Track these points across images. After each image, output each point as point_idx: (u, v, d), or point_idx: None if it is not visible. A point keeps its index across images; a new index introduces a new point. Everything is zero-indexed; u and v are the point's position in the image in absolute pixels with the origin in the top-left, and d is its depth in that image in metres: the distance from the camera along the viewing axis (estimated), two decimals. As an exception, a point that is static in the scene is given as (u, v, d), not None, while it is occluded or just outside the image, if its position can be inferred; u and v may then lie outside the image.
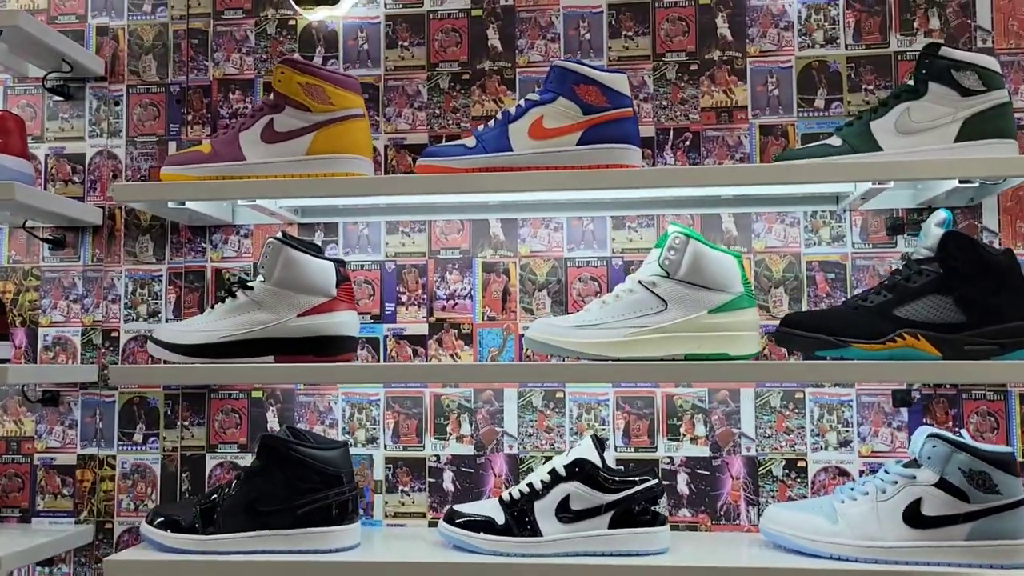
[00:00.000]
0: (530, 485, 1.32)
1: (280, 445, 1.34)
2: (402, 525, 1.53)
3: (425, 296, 1.56)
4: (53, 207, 1.47)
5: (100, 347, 1.60)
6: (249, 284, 1.37)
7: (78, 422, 1.59)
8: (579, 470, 1.30)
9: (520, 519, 1.31)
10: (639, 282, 1.32)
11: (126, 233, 1.61)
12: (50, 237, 1.61)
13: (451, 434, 1.54)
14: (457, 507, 1.36)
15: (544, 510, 1.30)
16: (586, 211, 1.53)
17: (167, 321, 1.58)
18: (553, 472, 1.32)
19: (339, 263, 1.38)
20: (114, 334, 1.60)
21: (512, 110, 1.35)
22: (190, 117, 1.62)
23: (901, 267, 1.28)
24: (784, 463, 1.47)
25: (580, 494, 1.29)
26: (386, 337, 1.56)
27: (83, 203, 1.59)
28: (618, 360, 1.27)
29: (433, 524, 1.51)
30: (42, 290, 1.62)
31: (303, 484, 1.33)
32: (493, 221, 1.56)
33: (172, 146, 1.61)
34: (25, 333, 1.61)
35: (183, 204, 1.41)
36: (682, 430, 1.49)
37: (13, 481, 1.59)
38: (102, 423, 1.59)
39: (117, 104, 1.63)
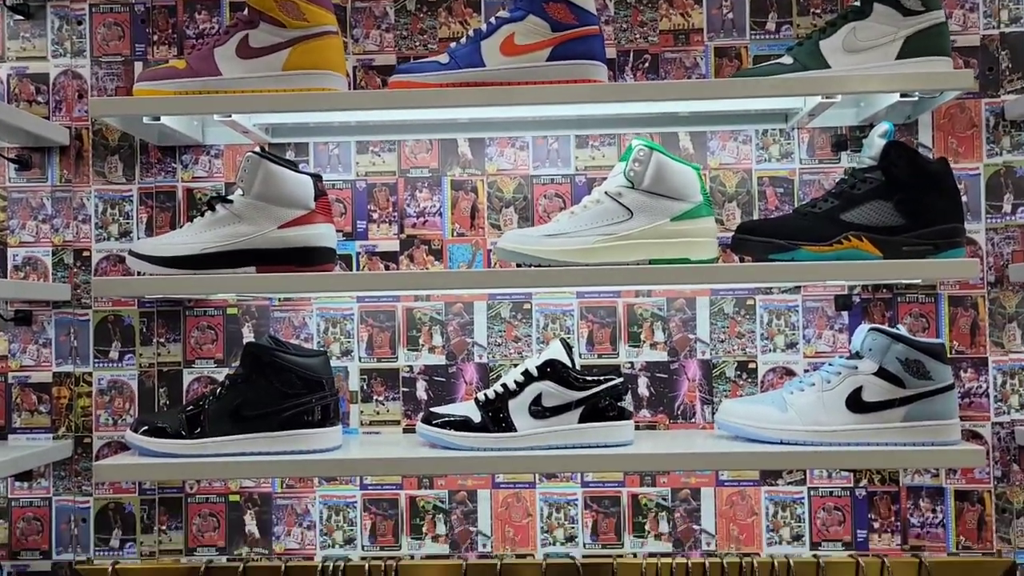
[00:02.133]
0: (504, 385, 1.41)
1: (264, 353, 1.40)
2: (377, 432, 1.60)
3: (396, 214, 1.61)
4: (20, 123, 1.47)
5: (72, 267, 1.61)
6: (229, 198, 1.40)
7: (52, 341, 1.61)
8: (550, 370, 1.39)
9: (495, 417, 1.39)
10: (605, 193, 1.39)
11: (94, 153, 1.62)
12: (15, 157, 1.60)
13: (423, 345, 1.60)
14: (434, 409, 1.44)
15: (518, 408, 1.39)
16: (551, 130, 1.59)
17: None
18: (526, 372, 1.40)
19: (316, 177, 1.42)
20: (85, 254, 1.62)
21: (483, 27, 1.39)
22: (156, 37, 1.62)
23: (846, 177, 1.38)
24: (736, 365, 1.58)
25: (551, 392, 1.38)
26: (359, 254, 1.61)
27: (50, 122, 1.59)
28: (586, 265, 1.35)
29: (408, 431, 1.59)
30: (9, 210, 1.62)
31: (287, 389, 1.39)
32: (461, 140, 1.61)
33: (139, 66, 1.62)
34: (-6, 254, 1.61)
35: (157, 120, 1.42)
36: (642, 337, 1.59)
37: (-12, 399, 1.61)
38: (77, 341, 1.61)
39: (80, 23, 1.62)
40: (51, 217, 1.62)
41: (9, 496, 1.60)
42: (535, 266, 1.36)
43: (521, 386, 1.39)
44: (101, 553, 1.59)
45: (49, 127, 1.56)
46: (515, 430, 1.38)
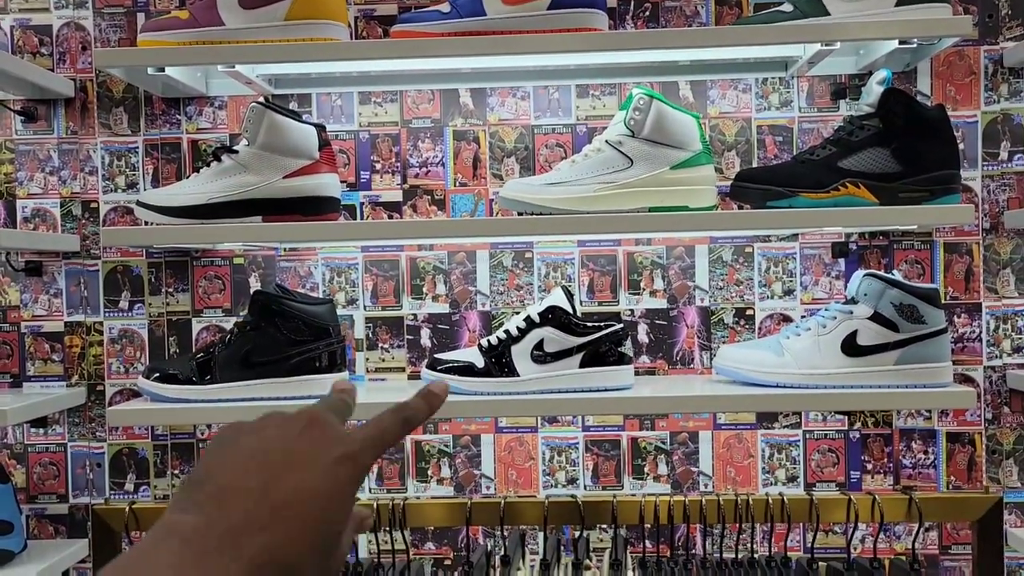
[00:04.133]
0: (507, 331, 1.44)
1: (272, 301, 1.43)
2: (383, 379, 1.64)
3: (399, 164, 1.63)
4: (27, 75, 1.49)
5: (80, 218, 1.64)
6: (234, 148, 1.42)
7: (63, 291, 1.64)
8: (552, 316, 1.42)
9: (498, 362, 1.42)
10: (606, 141, 1.41)
11: (99, 105, 1.63)
12: (21, 109, 1.62)
13: (427, 294, 1.63)
14: (438, 356, 1.47)
15: (520, 353, 1.42)
16: (552, 79, 1.60)
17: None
18: (528, 319, 1.43)
19: (320, 127, 1.44)
20: (93, 205, 1.64)
21: (484, -24, 1.40)
22: (157, -12, 1.63)
23: (844, 124, 1.39)
24: (734, 312, 1.61)
25: (553, 338, 1.41)
26: (362, 204, 1.64)
27: (54, 74, 1.60)
28: (587, 213, 1.37)
29: (412, 378, 1.63)
30: (17, 163, 1.64)
31: (295, 336, 1.42)
32: (463, 91, 1.62)
33: (141, 17, 1.62)
34: (3, 205, 1.64)
35: (161, 71, 1.43)
36: (642, 284, 1.61)
37: (2, 348, 1.64)
38: (87, 291, 1.64)
39: (81, -26, 1.62)
40: (58, 169, 1.64)
41: (26, 442, 1.64)
42: (537, 214, 1.38)
43: (523, 332, 1.42)
44: (116, 496, 1.64)
45: (54, 79, 1.57)
46: (517, 375, 1.41)
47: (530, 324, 1.42)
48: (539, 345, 1.42)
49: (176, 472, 1.64)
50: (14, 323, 1.64)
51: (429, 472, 1.64)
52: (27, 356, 1.64)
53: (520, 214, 1.41)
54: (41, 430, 1.64)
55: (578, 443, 1.63)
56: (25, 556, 1.53)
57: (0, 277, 1.64)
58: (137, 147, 1.64)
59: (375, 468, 1.63)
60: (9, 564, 1.49)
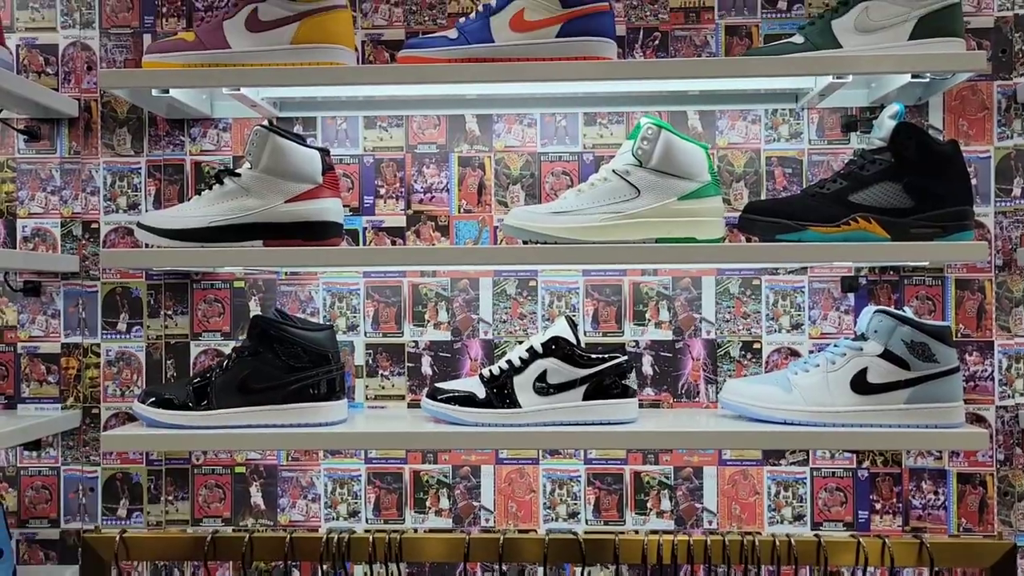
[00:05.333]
0: (509, 362, 1.41)
1: (271, 326, 1.40)
2: (383, 407, 1.61)
3: (403, 189, 1.62)
4: (31, 95, 1.48)
5: (80, 239, 1.62)
6: (236, 171, 1.40)
7: (61, 312, 1.62)
8: (555, 347, 1.39)
9: (500, 393, 1.40)
10: (613, 171, 1.39)
11: (103, 125, 1.62)
12: (25, 128, 1.61)
13: (429, 321, 1.61)
14: (439, 385, 1.45)
15: (523, 384, 1.39)
16: (559, 107, 1.59)
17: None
18: (531, 349, 1.40)
19: (323, 151, 1.42)
20: (94, 225, 1.62)
21: (493, 3, 1.39)
22: (165, 9, 1.62)
23: (855, 158, 1.37)
24: (741, 345, 1.58)
25: (556, 369, 1.39)
26: (365, 229, 1.62)
27: (59, 93, 1.59)
28: (593, 243, 1.35)
29: (412, 406, 1.60)
30: (19, 181, 1.62)
31: (293, 363, 1.40)
32: (469, 117, 1.61)
33: (147, 38, 1.61)
34: (3, 224, 1.62)
35: (166, 92, 1.42)
36: (647, 315, 1.59)
37: (-3, 369, 1.62)
38: (85, 312, 1.62)
39: (89, -6, 1.62)
40: (60, 189, 1.62)
41: (18, 465, 1.62)
42: (541, 243, 1.36)
43: (526, 363, 1.40)
44: (108, 522, 1.61)
45: (58, 98, 1.56)
46: (519, 406, 1.38)
47: (533, 355, 1.40)
48: (542, 376, 1.39)
49: (170, 498, 1.61)
50: (10, 343, 1.62)
51: (427, 503, 1.60)
52: (22, 377, 1.62)
53: (525, 242, 1.39)
54: (35, 453, 1.61)
55: (580, 476, 1.60)
56: (13, 582, 1.50)
57: (-2, 297, 1.62)
58: (140, 168, 1.62)
59: (372, 498, 1.60)
60: (-4, 590, 1.46)
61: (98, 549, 1.38)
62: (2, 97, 1.48)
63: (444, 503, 1.60)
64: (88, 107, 1.62)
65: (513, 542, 1.36)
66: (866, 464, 1.56)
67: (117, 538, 1.36)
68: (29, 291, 1.61)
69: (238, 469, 1.62)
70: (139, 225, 1.39)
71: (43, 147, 1.62)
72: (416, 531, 1.59)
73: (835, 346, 1.39)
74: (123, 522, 1.60)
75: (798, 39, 1.37)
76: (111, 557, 1.37)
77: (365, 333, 1.61)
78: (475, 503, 1.60)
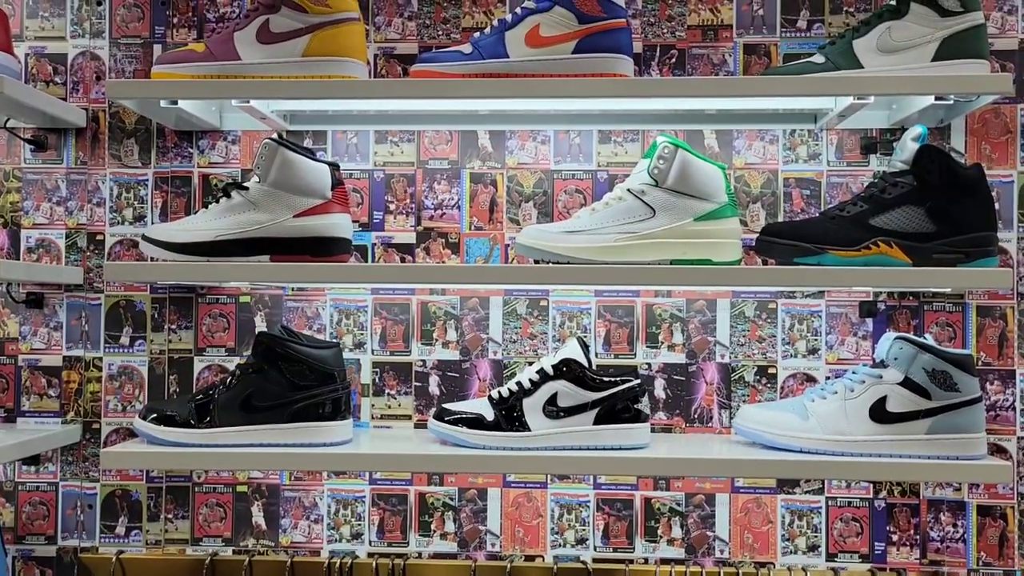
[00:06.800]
0: (519, 383, 1.38)
1: (276, 343, 1.38)
2: (388, 427, 1.58)
3: (413, 205, 1.59)
4: (39, 104, 1.46)
5: (85, 250, 1.60)
6: (244, 185, 1.38)
7: (63, 324, 1.59)
8: (566, 369, 1.36)
9: (509, 415, 1.36)
10: (628, 190, 1.36)
11: (110, 136, 1.60)
12: (31, 138, 1.59)
13: (437, 340, 1.58)
14: (446, 406, 1.42)
15: (532, 407, 1.36)
16: (574, 124, 1.56)
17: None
18: (541, 371, 1.37)
19: (333, 166, 1.40)
20: (99, 237, 1.60)
21: (508, 18, 1.36)
22: (175, 20, 1.60)
23: (876, 180, 1.34)
24: (756, 369, 1.55)
25: (567, 391, 1.35)
26: (374, 245, 1.59)
27: (67, 103, 1.57)
28: (606, 263, 1.32)
29: (419, 426, 1.57)
30: (24, 191, 1.60)
31: (298, 381, 1.37)
32: (482, 132, 1.58)
33: (157, 49, 1.59)
34: (7, 234, 1.60)
35: (175, 103, 1.40)
36: (660, 338, 1.56)
37: (-2, 381, 1.59)
38: (88, 325, 1.59)
39: (100, 4, 1.60)
40: (66, 199, 1.60)
41: (16, 480, 1.59)
42: (554, 263, 1.33)
43: (536, 385, 1.36)
44: (106, 540, 1.57)
45: (66, 108, 1.54)
46: (529, 430, 1.35)
47: (543, 376, 1.37)
48: (552, 399, 1.36)
49: (170, 516, 1.58)
50: (11, 355, 1.59)
51: (432, 526, 1.57)
52: (23, 390, 1.59)
53: (537, 261, 1.36)
54: (33, 468, 1.58)
55: (589, 501, 1.56)
56: (8, 601, 1.46)
57: (0, 308, 1.59)
58: (147, 179, 1.60)
59: (376, 520, 1.57)
60: (-10, 609, 1.42)
61: (94, 570, 1.35)
62: (9, 106, 1.46)
63: (449, 526, 1.56)
64: (96, 117, 1.60)
65: (520, 570, 1.32)
66: (883, 494, 1.52)
67: (114, 559, 1.33)
68: (32, 303, 1.58)
69: (240, 488, 1.58)
70: (144, 238, 1.37)
71: (49, 157, 1.60)
72: (420, 555, 1.55)
73: (853, 373, 1.35)
74: (121, 540, 1.57)
75: (818, 59, 1.34)
76: (108, 578, 1.33)
77: (372, 351, 1.58)
78: (481, 527, 1.56)
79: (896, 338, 1.32)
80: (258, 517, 1.58)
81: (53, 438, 1.52)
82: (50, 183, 1.60)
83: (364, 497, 1.58)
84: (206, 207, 1.40)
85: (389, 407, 1.58)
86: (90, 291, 1.59)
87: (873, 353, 1.49)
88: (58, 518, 1.58)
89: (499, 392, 1.38)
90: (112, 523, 1.58)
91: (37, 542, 1.58)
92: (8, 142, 1.60)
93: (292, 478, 1.58)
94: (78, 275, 1.58)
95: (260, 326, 1.59)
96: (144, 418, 1.38)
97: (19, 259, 1.59)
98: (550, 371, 1.37)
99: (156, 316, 1.59)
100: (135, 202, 1.60)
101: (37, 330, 1.59)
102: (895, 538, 1.52)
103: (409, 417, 1.58)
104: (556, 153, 1.58)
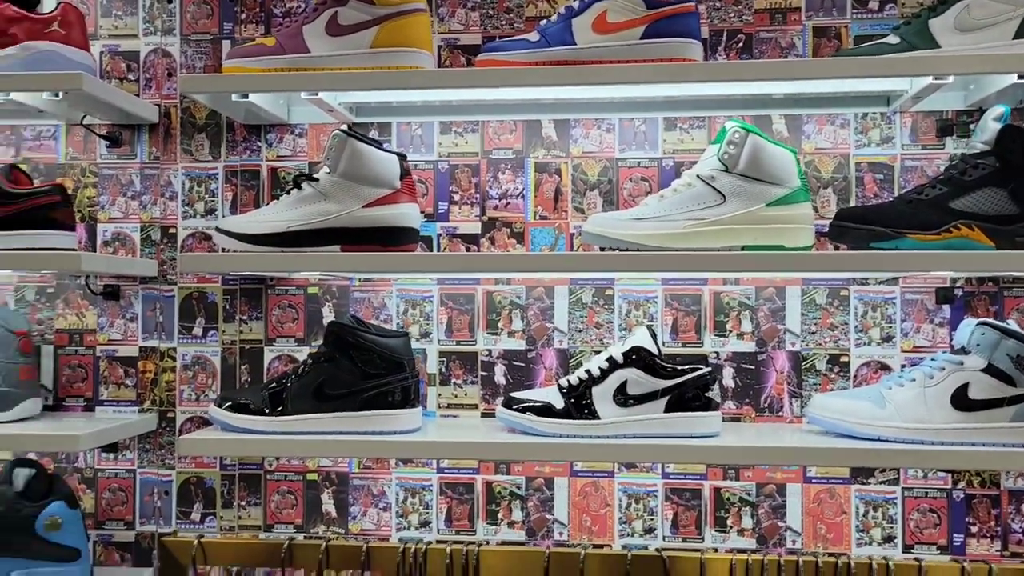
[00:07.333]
0: (588, 372, 1.37)
1: (347, 332, 1.39)
2: (455, 416, 1.59)
3: (478, 195, 1.59)
4: (115, 100, 1.49)
5: (159, 243, 1.63)
6: (315, 176, 1.40)
7: (139, 315, 1.63)
8: (636, 357, 1.35)
9: (578, 403, 1.36)
10: (698, 176, 1.35)
11: (182, 131, 1.63)
12: (106, 134, 1.63)
13: (503, 329, 1.58)
14: (515, 394, 1.42)
15: (602, 395, 1.35)
16: (639, 111, 1.55)
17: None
18: (611, 359, 1.36)
19: (401, 156, 1.41)
20: (172, 231, 1.63)
21: (575, 5, 1.36)
22: (244, 16, 1.63)
23: (955, 163, 1.31)
24: (827, 358, 1.52)
25: (637, 380, 1.35)
26: (439, 235, 1.60)
27: (140, 99, 1.60)
28: (675, 250, 1.31)
29: (486, 415, 1.57)
30: (100, 187, 1.64)
31: (369, 369, 1.38)
32: (546, 122, 1.58)
33: (226, 45, 1.62)
34: (84, 228, 1.64)
35: (245, 97, 1.42)
36: (728, 326, 1.54)
37: (77, 372, 1.64)
38: (162, 316, 1.63)
39: (170, 1, 1.63)
40: (139, 194, 1.64)
41: (96, 467, 1.63)
42: (621, 250, 1.33)
43: (605, 373, 1.36)
44: (182, 526, 1.61)
45: (139, 104, 1.58)
46: (598, 417, 1.35)
47: (613, 365, 1.36)
48: (622, 387, 1.35)
49: (243, 503, 1.61)
50: (90, 346, 1.64)
51: (499, 515, 1.57)
52: (101, 380, 1.63)
53: (603, 250, 1.35)
54: (112, 455, 1.63)
55: (657, 491, 1.55)
56: (90, 584, 1.50)
57: (79, 300, 1.64)
58: (217, 173, 1.63)
59: (443, 508, 1.58)
60: (74, 592, 1.47)
61: (176, 553, 1.38)
62: (87, 103, 1.49)
63: (517, 515, 1.57)
64: (168, 113, 1.63)
65: (593, 557, 1.32)
66: (962, 484, 1.49)
67: (195, 542, 1.36)
68: (108, 295, 1.62)
69: (310, 476, 1.61)
70: (218, 229, 1.39)
71: (124, 152, 1.64)
72: (488, 543, 1.56)
73: (932, 360, 1.32)
74: (197, 526, 1.60)
75: (893, 39, 1.31)
76: (188, 561, 1.36)
77: (438, 341, 1.59)
78: (548, 516, 1.56)
79: (978, 324, 1.28)
80: (328, 505, 1.60)
81: (130, 426, 1.55)
82: (124, 178, 1.64)
83: (431, 486, 1.59)
84: (276, 199, 1.42)
85: (455, 396, 1.59)
86: (164, 283, 1.63)
87: (951, 340, 1.45)
88: (136, 504, 1.62)
89: (568, 380, 1.38)
90: (187, 509, 1.61)
91: (116, 527, 1.63)
92: (85, 138, 1.64)
93: (361, 466, 1.60)
94: (152, 268, 1.61)
95: (328, 316, 1.61)
96: (219, 406, 1.41)
97: (96, 251, 1.63)
98: (620, 359, 1.36)
99: (227, 307, 1.62)
100: (206, 195, 1.63)
101: (114, 321, 1.63)
102: (974, 529, 1.48)
103: (475, 406, 1.59)
104: (621, 141, 1.57)
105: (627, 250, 1.32)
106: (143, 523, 1.62)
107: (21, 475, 1.48)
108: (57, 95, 1.43)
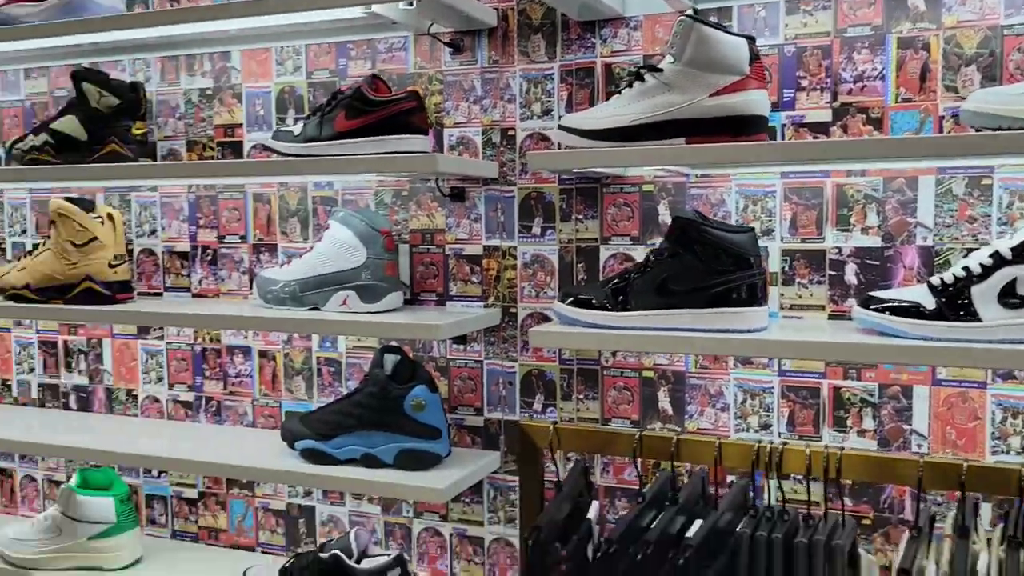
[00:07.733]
0: (966, 268, 1.23)
1: (692, 227, 1.35)
2: (799, 317, 1.51)
3: (828, 80, 1.46)
4: (458, 4, 1.54)
5: (499, 145, 1.69)
6: (659, 67, 1.35)
7: (482, 216, 1.71)
8: (1029, 252, 1.19)
9: (952, 303, 1.22)
10: (1120, 35, 1.12)
11: (519, 33, 1.66)
12: (450, 41, 1.70)
13: (855, 225, 1.46)
14: (874, 294, 1.31)
15: (983, 294, 1.20)
16: (1033, -33, 1.32)
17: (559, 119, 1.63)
18: (996, 255, 1.21)
19: (750, 39, 1.32)
20: (511, 132, 1.68)
21: None
22: (576, -92, 1.60)
23: None
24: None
25: (1029, 278, 1.18)
26: (784, 126, 1.49)
27: (480, 3, 1.65)
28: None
29: (835, 317, 1.47)
30: (445, 93, 1.73)
31: (715, 265, 1.34)
32: (911, -10, 1.40)
33: (560, -60, 1.61)
34: (433, 134, 1.74)
35: (586, -10, 1.40)
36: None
37: (430, 269, 1.76)
38: (503, 216, 1.70)
39: (506, -98, 1.64)
40: (480, 98, 1.70)
41: (448, 357, 1.76)
42: (1009, 129, 1.15)
43: (989, 270, 1.20)
44: (525, 415, 1.70)
45: (479, 8, 1.62)
46: (980, 320, 1.20)
47: (999, 261, 1.20)
48: (1009, 286, 1.19)
49: (580, 397, 1.66)
50: (440, 245, 1.75)
51: (848, 422, 1.48)
52: (450, 277, 1.75)
53: (978, 130, 1.18)
54: (461, 347, 1.75)
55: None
56: (449, 461, 1.64)
57: (429, 202, 1.75)
58: (553, 73, 1.64)
59: (785, 412, 1.52)
60: (437, 466, 1.61)
61: (534, 437, 1.46)
62: (434, 9, 1.56)
63: (868, 423, 1.47)
64: (505, 16, 1.66)
65: (958, 468, 1.20)
66: None
67: (551, 428, 1.43)
68: (455, 196, 1.72)
69: (646, 373, 1.62)
70: (560, 127, 1.40)
71: (465, 58, 1.70)
72: (842, 449, 1.48)
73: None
74: (539, 415, 1.69)
75: None
76: (545, 444, 1.44)
77: (781, 238, 1.51)
78: (905, 426, 1.45)
79: None
80: (664, 402, 1.61)
81: (477, 320, 1.65)
82: (467, 84, 1.71)
83: (772, 388, 1.53)
84: (619, 93, 1.39)
85: (800, 297, 1.51)
86: (504, 184, 1.69)
87: None
88: (483, 393, 1.74)
89: (942, 278, 1.24)
90: (530, 400, 1.70)
91: (467, 413, 1.76)
92: (431, 47, 1.72)
93: (698, 366, 1.58)
94: (493, 169, 1.68)
95: (663, 214, 1.58)
96: (563, 301, 1.45)
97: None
98: (1007, 254, 1.20)
99: (564, 207, 1.65)
100: (543, 96, 1.65)
101: (460, 221, 1.73)
102: None
103: (822, 307, 1.49)
104: (1008, 5, 1.35)
105: (1017, 129, 1.15)
106: (490, 410, 1.74)
107: (389, 360, 1.63)
108: (412, 4, 1.50)
